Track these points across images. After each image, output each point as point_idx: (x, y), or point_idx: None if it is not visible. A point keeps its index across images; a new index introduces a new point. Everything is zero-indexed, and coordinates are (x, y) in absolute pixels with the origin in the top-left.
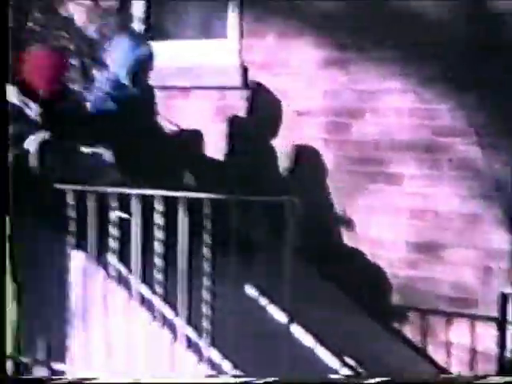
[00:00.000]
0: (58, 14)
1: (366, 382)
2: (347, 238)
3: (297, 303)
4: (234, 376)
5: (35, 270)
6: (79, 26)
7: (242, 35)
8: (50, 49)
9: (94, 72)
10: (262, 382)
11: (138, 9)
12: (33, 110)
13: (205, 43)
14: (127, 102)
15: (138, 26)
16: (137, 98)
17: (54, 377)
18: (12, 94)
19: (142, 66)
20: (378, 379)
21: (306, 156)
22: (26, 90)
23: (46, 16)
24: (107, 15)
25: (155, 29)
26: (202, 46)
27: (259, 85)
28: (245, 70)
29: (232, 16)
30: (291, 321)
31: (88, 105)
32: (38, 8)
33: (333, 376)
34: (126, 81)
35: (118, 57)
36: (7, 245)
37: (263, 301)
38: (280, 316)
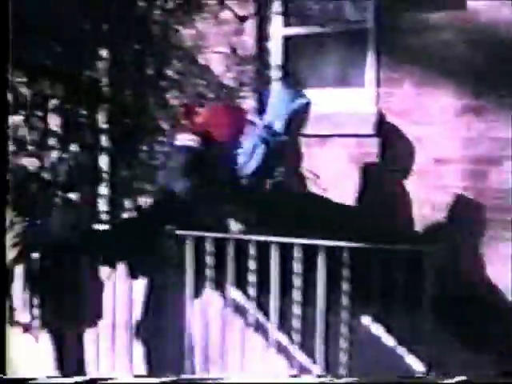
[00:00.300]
0: (195, 63)
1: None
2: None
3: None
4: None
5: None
6: (217, 74)
7: (378, 83)
8: (231, 104)
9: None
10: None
11: (275, 57)
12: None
13: (342, 91)
14: (275, 150)
15: (275, 74)
16: (285, 145)
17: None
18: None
19: (298, 117)
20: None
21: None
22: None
23: (184, 64)
24: (245, 63)
25: (292, 77)
26: (339, 95)
27: (394, 131)
28: (381, 118)
29: (369, 64)
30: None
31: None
32: (177, 57)
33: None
34: (280, 129)
35: (275, 106)
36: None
37: (401, 350)
38: (418, 366)
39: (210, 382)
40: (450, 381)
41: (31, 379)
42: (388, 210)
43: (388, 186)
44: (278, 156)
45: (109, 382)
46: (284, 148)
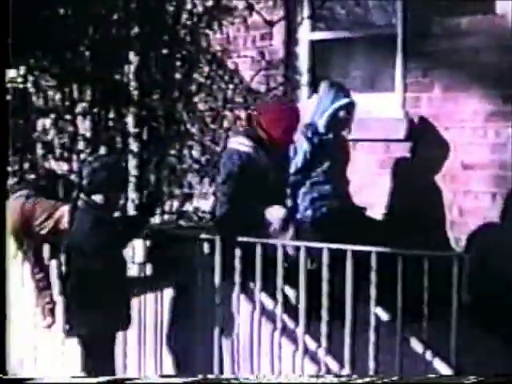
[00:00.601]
0: (224, 67)
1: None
2: None
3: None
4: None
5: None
6: (245, 79)
7: (407, 88)
8: (286, 103)
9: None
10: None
11: (303, 61)
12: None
13: (371, 96)
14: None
15: (303, 78)
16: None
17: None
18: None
19: (341, 116)
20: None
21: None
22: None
23: (212, 68)
24: (273, 67)
25: (321, 81)
26: (368, 99)
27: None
28: (410, 123)
29: (398, 69)
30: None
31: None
32: (205, 61)
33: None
34: (322, 129)
35: (319, 104)
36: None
37: (428, 354)
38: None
39: (234, 382)
40: (465, 381)
41: (31, 379)
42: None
43: (417, 190)
44: (322, 154)
45: (134, 381)
46: (327, 147)
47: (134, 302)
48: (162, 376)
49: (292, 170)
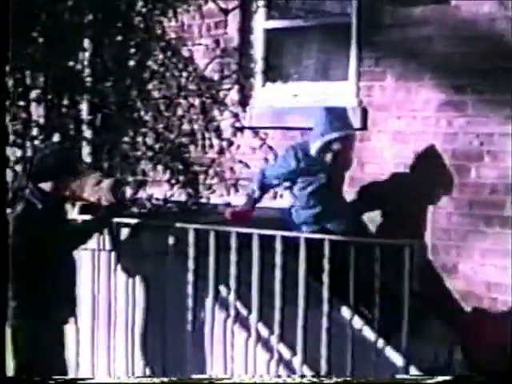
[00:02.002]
0: (178, 54)
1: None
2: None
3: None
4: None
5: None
6: (199, 66)
7: (360, 77)
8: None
9: None
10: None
11: (257, 49)
12: None
13: (325, 85)
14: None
15: (257, 66)
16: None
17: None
18: None
19: (333, 149)
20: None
21: None
22: None
23: (167, 56)
24: (227, 56)
25: (274, 70)
26: (322, 88)
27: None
28: (364, 112)
29: (352, 58)
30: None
31: None
32: (159, 48)
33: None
34: (314, 153)
35: (315, 129)
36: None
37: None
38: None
39: (206, 382)
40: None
41: (31, 379)
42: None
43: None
44: (308, 176)
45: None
46: (315, 171)
47: (102, 300)
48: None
49: (271, 173)
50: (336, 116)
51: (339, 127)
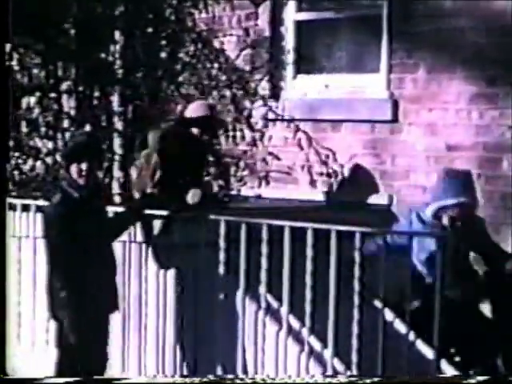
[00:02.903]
0: (209, 46)
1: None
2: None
3: None
4: None
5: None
6: (230, 58)
7: (391, 69)
8: None
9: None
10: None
11: (288, 40)
12: None
13: (356, 77)
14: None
15: (288, 57)
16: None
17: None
18: None
19: (447, 215)
20: None
21: None
22: None
23: (198, 47)
24: (257, 46)
25: (305, 61)
26: (353, 80)
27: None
28: (395, 104)
29: (383, 50)
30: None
31: None
32: (191, 40)
33: None
34: (426, 217)
35: (435, 191)
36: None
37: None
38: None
39: (238, 382)
40: (471, 380)
41: (31, 379)
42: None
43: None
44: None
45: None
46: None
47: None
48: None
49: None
50: (457, 180)
51: (457, 193)
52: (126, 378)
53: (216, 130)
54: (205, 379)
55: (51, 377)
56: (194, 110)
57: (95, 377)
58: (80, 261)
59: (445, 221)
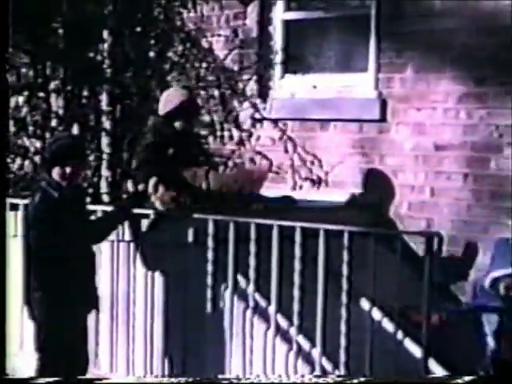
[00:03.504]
0: (197, 46)
1: None
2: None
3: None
4: None
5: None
6: (218, 57)
7: (380, 68)
8: None
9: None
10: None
11: (276, 40)
12: None
13: (344, 76)
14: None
15: (276, 57)
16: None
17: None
18: None
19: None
20: None
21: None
22: None
23: (186, 47)
24: (246, 46)
25: (293, 61)
26: (341, 79)
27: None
28: (384, 103)
29: (371, 49)
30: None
31: None
32: (179, 39)
33: None
34: (487, 288)
35: (494, 260)
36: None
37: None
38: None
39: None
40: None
41: (31, 379)
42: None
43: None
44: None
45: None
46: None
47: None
48: (170, 376)
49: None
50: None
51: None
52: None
53: (196, 116)
54: (190, 379)
55: (50, 377)
56: (169, 100)
57: (85, 376)
58: (57, 261)
59: (502, 291)
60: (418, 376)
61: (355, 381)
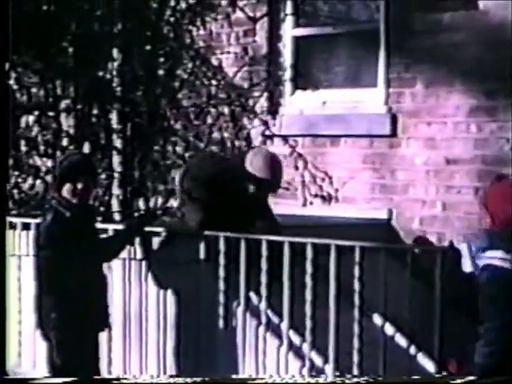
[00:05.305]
0: (207, 63)
1: None
2: None
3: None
4: None
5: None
6: (228, 75)
7: (389, 83)
8: None
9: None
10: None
11: (286, 56)
12: None
13: (354, 92)
14: None
15: (286, 74)
16: None
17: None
18: None
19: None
20: None
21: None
22: None
23: (196, 64)
24: (255, 63)
25: (303, 77)
26: (351, 95)
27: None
28: (394, 118)
29: (381, 64)
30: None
31: None
32: (189, 57)
33: None
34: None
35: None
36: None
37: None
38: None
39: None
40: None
41: (31, 379)
42: None
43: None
44: None
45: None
46: None
47: (118, 302)
48: (171, 376)
49: None
50: None
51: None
52: (125, 378)
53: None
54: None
55: (50, 377)
56: (260, 169)
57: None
58: (71, 281)
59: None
60: (415, 376)
61: (355, 380)
